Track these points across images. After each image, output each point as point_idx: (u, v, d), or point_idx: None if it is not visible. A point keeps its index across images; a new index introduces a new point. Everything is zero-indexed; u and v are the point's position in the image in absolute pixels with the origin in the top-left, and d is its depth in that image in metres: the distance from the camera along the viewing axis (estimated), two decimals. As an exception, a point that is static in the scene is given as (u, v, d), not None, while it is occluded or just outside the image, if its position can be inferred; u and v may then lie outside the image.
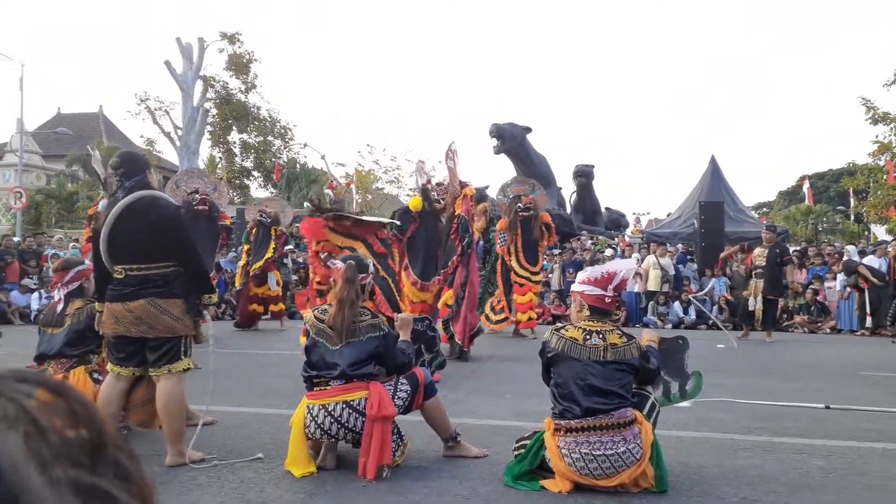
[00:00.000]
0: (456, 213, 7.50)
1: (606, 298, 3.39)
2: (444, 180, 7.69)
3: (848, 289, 12.66)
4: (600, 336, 3.30)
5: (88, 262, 4.48)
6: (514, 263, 9.98)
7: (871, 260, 12.70)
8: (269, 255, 11.00)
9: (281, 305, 11.63)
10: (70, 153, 32.32)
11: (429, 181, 7.82)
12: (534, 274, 10.15)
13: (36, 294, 12.56)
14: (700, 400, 5.21)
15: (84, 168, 30.99)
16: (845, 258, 13.66)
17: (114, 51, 69.79)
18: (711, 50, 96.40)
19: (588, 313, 3.41)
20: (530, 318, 10.07)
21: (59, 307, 4.24)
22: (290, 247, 16.97)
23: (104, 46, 69.15)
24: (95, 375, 4.10)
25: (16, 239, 15.34)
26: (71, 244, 13.64)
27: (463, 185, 7.64)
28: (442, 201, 7.52)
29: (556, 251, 16.87)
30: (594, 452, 3.12)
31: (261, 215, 11.22)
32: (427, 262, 7.52)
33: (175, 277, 3.66)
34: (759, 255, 10.77)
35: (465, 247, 7.23)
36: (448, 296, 7.44)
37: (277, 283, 11.51)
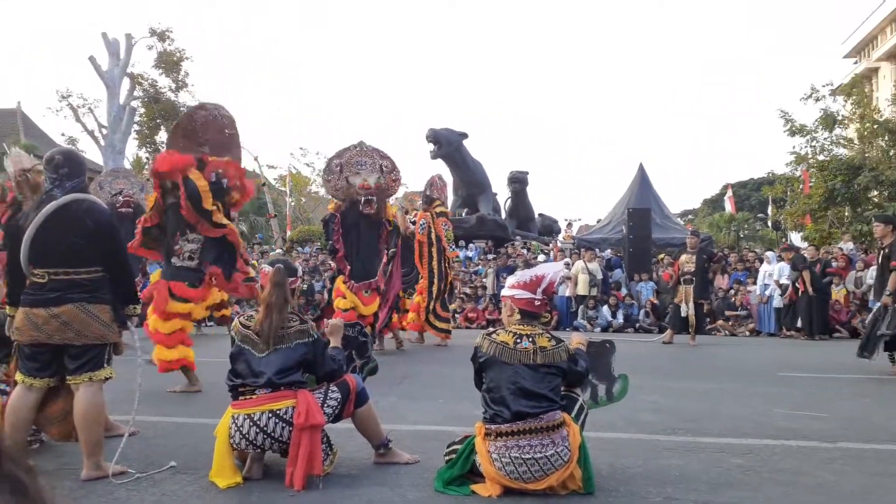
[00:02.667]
0: (389, 219, 7.51)
1: (536, 301, 3.43)
2: (373, 183, 7.61)
3: (777, 281, 13.11)
4: (530, 339, 3.33)
5: None
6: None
7: (783, 266, 13.27)
8: None
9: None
10: (-16, 151, 30.62)
11: (363, 184, 7.74)
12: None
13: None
14: (627, 402, 5.36)
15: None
16: (764, 264, 14.26)
17: (34, 45, 66.66)
18: (640, 59, 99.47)
19: (518, 317, 3.44)
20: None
21: None
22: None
23: (24, 40, 66.02)
24: (2, 387, 3.87)
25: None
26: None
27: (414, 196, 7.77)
28: (372, 203, 7.48)
29: (491, 256, 17.04)
30: (524, 456, 3.15)
31: None
32: (362, 264, 7.52)
33: (103, 283, 3.55)
34: (687, 261, 11.07)
35: (392, 254, 7.38)
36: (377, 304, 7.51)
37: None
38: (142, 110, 29.82)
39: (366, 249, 7.52)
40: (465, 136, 20.59)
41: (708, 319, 13.57)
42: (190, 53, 32.24)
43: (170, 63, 29.89)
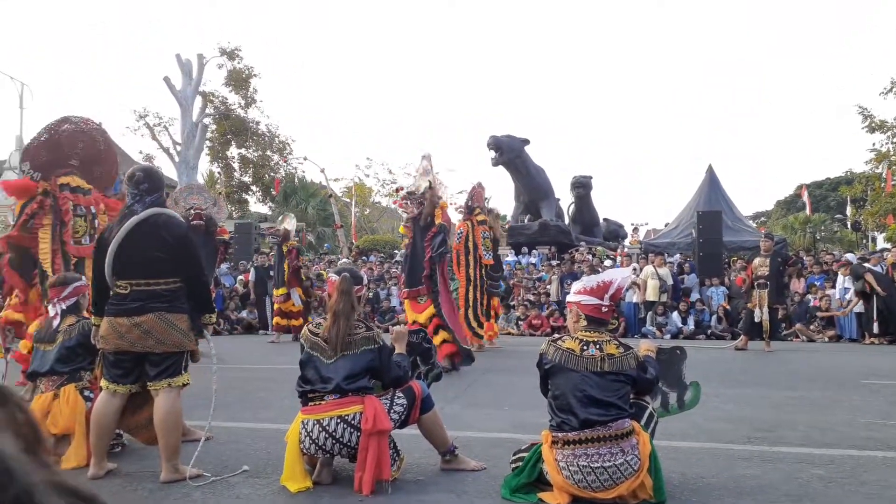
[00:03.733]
0: (438, 223, 7.39)
1: (603, 308, 3.38)
2: (415, 189, 7.67)
3: (850, 295, 12.62)
4: (597, 346, 3.28)
5: (84, 278, 4.47)
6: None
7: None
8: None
9: (300, 321, 11.76)
10: (69, 170, 32.35)
11: (399, 189, 7.93)
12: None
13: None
14: (699, 410, 5.20)
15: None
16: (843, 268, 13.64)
17: (114, 68, 70.10)
18: (709, 59, 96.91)
19: (585, 323, 3.39)
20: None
21: (56, 322, 4.21)
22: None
23: (104, 64, 69.52)
24: (87, 393, 4.06)
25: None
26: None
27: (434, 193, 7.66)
28: (416, 211, 7.53)
29: (555, 262, 16.88)
30: (592, 465, 3.10)
31: (272, 238, 12.12)
32: (411, 273, 7.56)
33: (180, 294, 3.71)
34: (761, 265, 10.69)
35: (436, 256, 7.12)
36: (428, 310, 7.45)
37: (301, 299, 12.14)
38: (213, 127, 30.94)
39: (415, 257, 7.60)
40: (526, 142, 20.49)
41: (784, 325, 13.06)
42: (258, 70, 33.19)
43: (239, 80, 30.92)
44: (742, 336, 10.96)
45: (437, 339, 7.18)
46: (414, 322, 7.35)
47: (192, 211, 9.19)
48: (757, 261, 10.87)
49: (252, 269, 15.32)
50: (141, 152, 32.17)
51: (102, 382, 3.78)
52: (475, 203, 10.16)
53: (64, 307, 4.25)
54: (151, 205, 3.74)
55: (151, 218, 3.68)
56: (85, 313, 4.29)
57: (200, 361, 4.01)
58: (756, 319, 10.58)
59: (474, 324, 9.82)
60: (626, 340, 3.57)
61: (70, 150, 6.03)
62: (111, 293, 3.70)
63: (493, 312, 11.21)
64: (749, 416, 5.31)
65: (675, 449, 4.19)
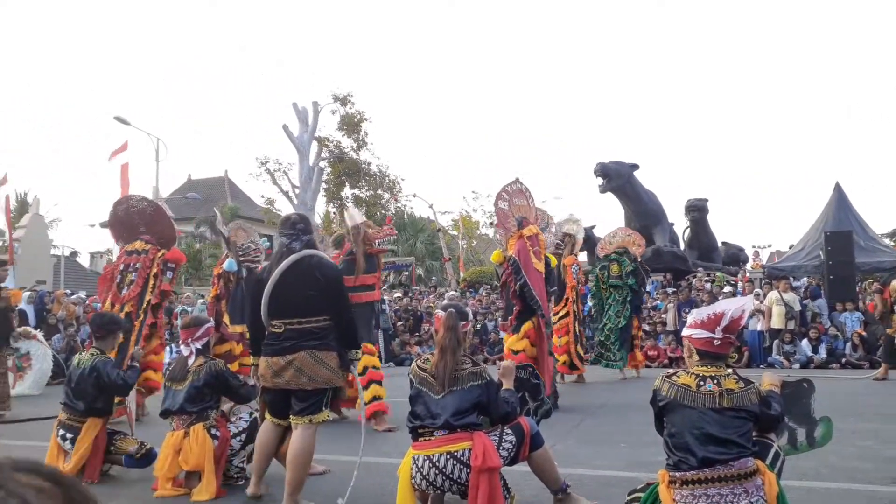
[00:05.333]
0: (508, 256, 7.13)
1: (716, 341, 3.22)
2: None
3: None
4: (715, 381, 3.12)
5: (212, 320, 4.79)
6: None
7: None
8: None
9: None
10: (198, 216, 34.83)
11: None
12: (554, 315, 9.45)
13: (167, 349, 13.48)
14: (834, 447, 4.82)
15: (210, 229, 33.18)
16: None
17: (238, 119, 75.17)
18: (830, 67, 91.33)
19: (698, 358, 3.25)
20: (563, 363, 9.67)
21: (191, 361, 4.49)
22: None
23: (229, 116, 74.71)
24: (213, 431, 4.32)
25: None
26: (199, 301, 14.58)
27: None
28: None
29: (671, 290, 16.28)
30: None
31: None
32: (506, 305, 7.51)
33: (330, 331, 3.85)
34: None
35: (519, 288, 6.86)
36: (512, 341, 7.21)
37: None
38: (328, 170, 32.36)
39: (506, 289, 7.51)
40: (636, 167, 20.03)
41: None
42: (369, 115, 34.56)
43: (351, 125, 32.30)
44: (882, 365, 10.08)
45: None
46: (511, 351, 7.22)
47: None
48: (895, 283, 10.03)
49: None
50: (263, 196, 34.17)
51: (267, 415, 4.02)
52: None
53: (198, 346, 4.53)
54: (307, 244, 3.94)
55: (306, 258, 3.86)
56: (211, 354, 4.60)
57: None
58: None
59: (575, 358, 9.69)
60: (749, 371, 3.38)
61: (131, 223, 7.50)
62: (267, 332, 3.89)
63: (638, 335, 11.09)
64: (892, 454, 4.87)
65: (808, 490, 3.92)
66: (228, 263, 7.45)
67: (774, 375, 3.52)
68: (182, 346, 4.61)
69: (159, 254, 7.36)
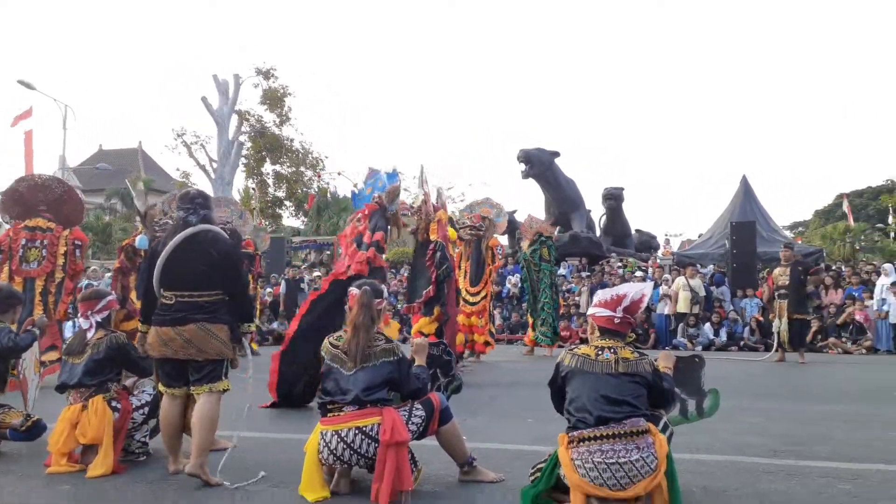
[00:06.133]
0: (432, 239, 7.08)
1: (615, 319, 3.38)
2: (414, 202, 7.45)
3: (889, 304, 12.31)
4: (612, 351, 3.30)
5: (114, 293, 4.62)
6: (461, 283, 9.82)
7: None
8: None
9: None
10: (109, 187, 33.30)
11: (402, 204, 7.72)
12: (472, 295, 9.80)
13: (70, 323, 12.86)
14: (726, 423, 5.13)
15: (122, 201, 31.81)
16: (881, 277, 13.33)
17: (154, 89, 71.98)
18: (744, 66, 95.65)
19: (598, 334, 3.41)
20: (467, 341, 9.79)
21: (90, 335, 4.34)
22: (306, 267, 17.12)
23: (145, 85, 71.40)
24: (114, 404, 4.17)
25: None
26: (107, 274, 13.97)
27: (436, 209, 7.39)
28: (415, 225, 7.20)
29: (585, 274, 16.77)
30: (607, 461, 3.07)
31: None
32: (411, 287, 7.40)
33: (222, 304, 3.91)
34: (781, 274, 10.60)
35: (443, 275, 6.78)
36: (422, 323, 7.17)
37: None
38: (248, 144, 31.52)
39: (413, 271, 7.45)
40: (556, 154, 20.46)
41: (819, 336, 12.80)
42: (293, 89, 33.77)
43: (274, 99, 31.51)
44: (779, 349, 10.77)
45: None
46: (420, 334, 7.24)
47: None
48: (777, 270, 10.77)
49: (283, 282, 15.56)
50: (178, 169, 33.03)
51: (160, 387, 4.02)
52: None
53: (98, 319, 4.38)
54: (203, 219, 3.96)
55: (201, 233, 3.90)
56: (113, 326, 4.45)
57: (238, 368, 4.14)
58: (775, 330, 10.44)
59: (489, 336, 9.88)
60: (656, 353, 3.58)
61: (33, 200, 7.63)
62: (158, 303, 3.92)
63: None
64: (778, 429, 5.22)
65: (699, 462, 4.14)
66: (140, 240, 7.16)
67: (670, 355, 3.72)
68: (81, 320, 4.43)
69: (65, 233, 7.55)
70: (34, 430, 4.51)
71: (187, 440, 3.98)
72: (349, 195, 34.23)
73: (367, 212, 6.64)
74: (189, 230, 3.88)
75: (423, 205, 7.13)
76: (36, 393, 5.00)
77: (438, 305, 7.06)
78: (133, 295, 7.21)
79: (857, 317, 12.88)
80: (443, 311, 7.20)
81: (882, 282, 13.07)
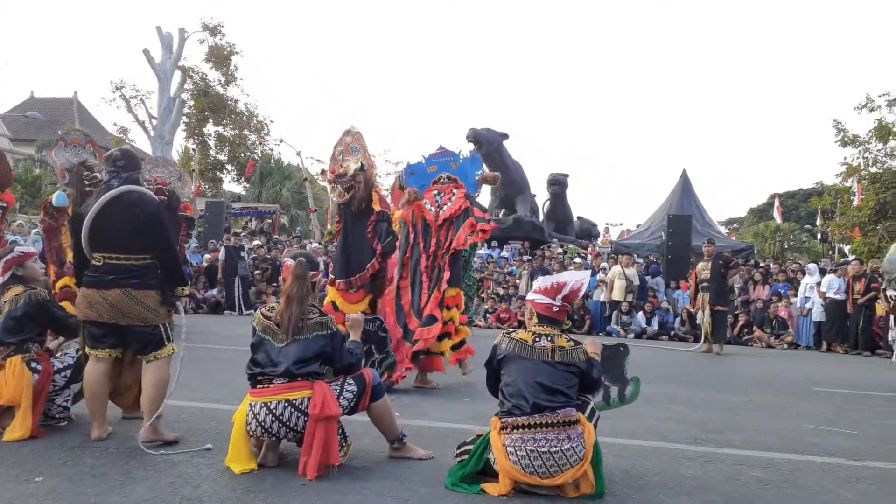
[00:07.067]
0: (377, 210, 6.35)
1: (554, 307, 3.44)
2: (343, 171, 6.52)
3: (811, 301, 12.91)
4: (549, 339, 3.36)
5: (26, 250, 4.42)
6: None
7: (832, 279, 12.96)
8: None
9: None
10: (40, 138, 31.76)
11: (323, 171, 7.04)
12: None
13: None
14: (650, 410, 5.30)
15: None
16: (806, 276, 13.94)
17: (92, 37, 68.74)
18: (688, 65, 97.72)
19: (536, 321, 3.46)
20: None
21: None
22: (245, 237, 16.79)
23: (82, 32, 68.10)
24: (34, 365, 4.01)
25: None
26: (34, 231, 13.38)
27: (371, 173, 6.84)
28: (347, 193, 6.42)
29: (527, 258, 16.97)
30: (539, 449, 3.15)
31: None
32: (344, 263, 6.44)
33: (151, 269, 3.87)
34: (703, 268, 11.09)
35: (387, 248, 6.19)
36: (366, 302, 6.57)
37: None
38: (191, 103, 30.49)
39: (346, 246, 6.47)
40: (505, 136, 20.54)
41: (745, 330, 13.32)
42: (240, 48, 32.75)
43: (220, 57, 30.50)
44: (705, 340, 11.16)
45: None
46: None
47: (155, 185, 8.99)
48: (700, 265, 11.24)
49: (223, 249, 15.21)
50: (115, 124, 31.70)
51: (86, 349, 3.94)
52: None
53: (1, 280, 4.22)
54: (126, 181, 3.91)
55: (125, 195, 3.85)
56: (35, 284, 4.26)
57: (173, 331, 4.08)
58: (698, 321, 10.87)
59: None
60: (588, 339, 3.66)
61: None
62: (90, 265, 3.88)
63: None
64: (699, 417, 5.41)
65: (622, 447, 4.26)
66: (57, 197, 6.60)
67: (596, 342, 3.82)
68: None
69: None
70: None
71: (111, 407, 3.88)
72: (294, 164, 33.68)
73: (455, 190, 6.41)
74: (112, 192, 3.84)
75: (360, 173, 6.57)
76: None
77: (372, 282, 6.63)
78: (69, 254, 6.82)
79: (781, 313, 13.45)
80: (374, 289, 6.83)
81: (806, 281, 13.68)
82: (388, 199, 7.11)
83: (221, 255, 15.07)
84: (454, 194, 6.42)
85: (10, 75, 72.57)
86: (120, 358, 4.04)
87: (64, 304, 4.62)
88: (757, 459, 4.12)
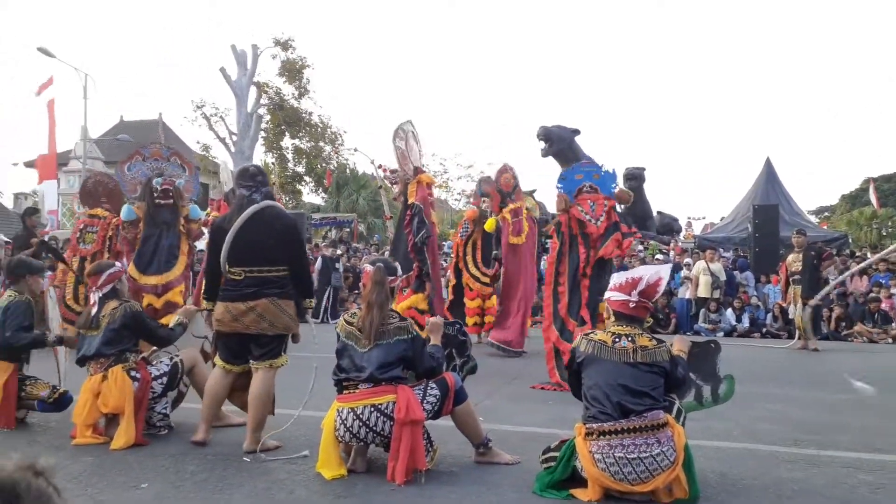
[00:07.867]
0: (410, 203, 6.47)
1: (631, 303, 3.34)
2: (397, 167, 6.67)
3: None
4: (629, 339, 3.26)
5: (119, 265, 4.64)
6: (469, 262, 9.45)
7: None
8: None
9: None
10: (131, 159, 33.39)
11: (381, 167, 7.11)
12: (483, 275, 9.39)
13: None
14: (744, 410, 5.07)
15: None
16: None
17: (173, 58, 72.08)
18: (769, 48, 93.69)
19: (614, 319, 3.37)
20: (475, 324, 9.28)
21: (94, 310, 4.38)
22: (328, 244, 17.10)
23: (163, 56, 71.49)
24: (133, 373, 4.21)
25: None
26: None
27: (418, 170, 6.75)
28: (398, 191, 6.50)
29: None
30: (629, 456, 3.06)
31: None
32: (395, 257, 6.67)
33: (288, 280, 4.03)
34: (794, 260, 10.49)
35: (420, 241, 6.24)
36: (415, 299, 6.70)
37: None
38: (267, 117, 31.44)
39: (395, 242, 6.67)
40: (577, 132, 19.97)
41: (843, 324, 12.62)
42: (311, 61, 33.52)
43: (292, 71, 31.31)
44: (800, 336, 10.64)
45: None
46: (416, 311, 6.79)
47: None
48: (791, 257, 10.66)
49: (319, 258, 15.60)
50: (198, 142, 33.03)
51: (217, 361, 4.12)
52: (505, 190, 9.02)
53: (101, 294, 4.42)
54: (266, 196, 4.07)
55: (267, 209, 4.01)
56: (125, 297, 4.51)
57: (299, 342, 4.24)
58: (790, 316, 10.32)
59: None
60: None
61: (95, 192, 9.01)
62: (224, 279, 4.00)
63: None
64: (798, 417, 5.16)
65: (716, 449, 4.10)
66: (126, 211, 6.56)
67: (685, 339, 3.68)
68: (91, 294, 4.49)
69: (113, 220, 8.38)
70: (61, 402, 4.57)
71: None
72: (368, 172, 34.23)
73: (605, 202, 6.54)
74: (255, 206, 3.97)
75: (400, 163, 6.55)
76: (66, 365, 5.06)
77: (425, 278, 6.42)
78: (133, 271, 6.38)
79: (884, 305, 12.67)
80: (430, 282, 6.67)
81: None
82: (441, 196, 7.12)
83: (318, 264, 15.47)
84: (605, 205, 6.51)
85: (102, 101, 76.99)
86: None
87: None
88: (866, 462, 3.88)
